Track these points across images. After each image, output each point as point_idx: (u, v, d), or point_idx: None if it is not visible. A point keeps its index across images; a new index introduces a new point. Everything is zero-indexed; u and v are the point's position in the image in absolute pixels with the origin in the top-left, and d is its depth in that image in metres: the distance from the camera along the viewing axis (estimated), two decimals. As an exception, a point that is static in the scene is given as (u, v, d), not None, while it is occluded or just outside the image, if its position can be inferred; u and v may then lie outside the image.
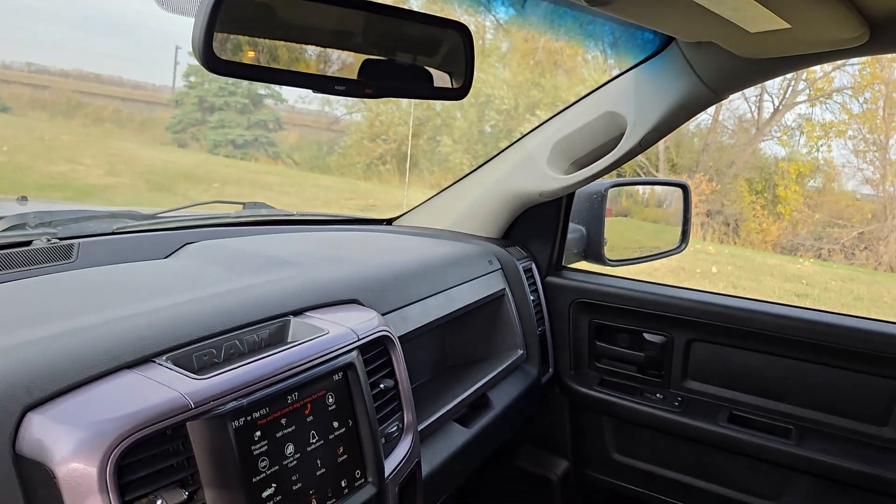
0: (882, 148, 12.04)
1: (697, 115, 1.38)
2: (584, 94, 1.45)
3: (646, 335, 1.59)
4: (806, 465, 1.40)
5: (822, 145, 12.88)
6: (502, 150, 1.57)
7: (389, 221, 1.72)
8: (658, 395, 1.58)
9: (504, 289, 1.50)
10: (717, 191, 12.74)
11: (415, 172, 12.63)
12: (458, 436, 1.26)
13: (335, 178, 11.99)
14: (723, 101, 1.35)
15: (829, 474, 1.39)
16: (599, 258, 1.70)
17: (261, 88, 12.35)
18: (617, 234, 1.82)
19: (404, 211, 1.74)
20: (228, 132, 11.76)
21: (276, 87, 13.07)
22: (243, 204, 1.49)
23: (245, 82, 12.20)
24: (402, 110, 12.85)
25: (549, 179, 1.47)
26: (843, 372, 1.41)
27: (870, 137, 12.10)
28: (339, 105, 13.80)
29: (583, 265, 1.75)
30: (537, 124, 1.51)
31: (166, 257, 1.18)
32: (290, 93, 13.92)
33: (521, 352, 1.51)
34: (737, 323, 1.46)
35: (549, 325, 1.63)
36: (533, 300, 1.57)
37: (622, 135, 1.35)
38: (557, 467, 1.71)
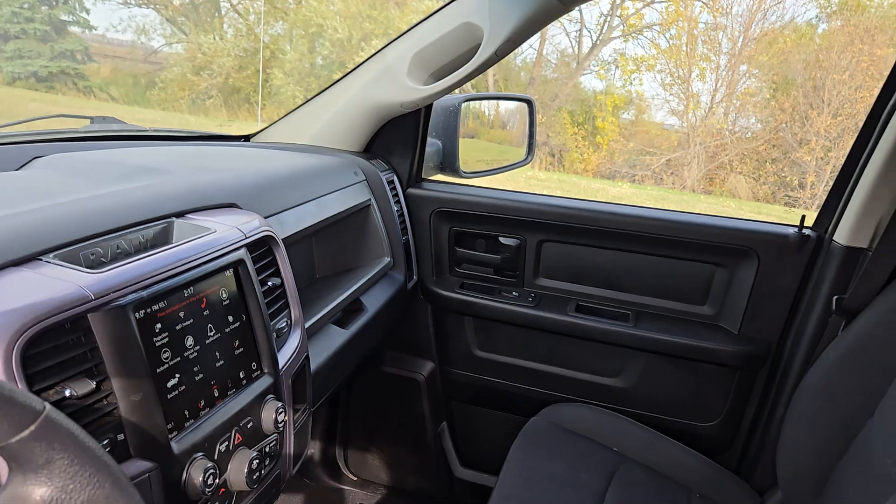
0: (685, 81, 13.15)
1: (523, 47, 1.47)
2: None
3: (501, 239, 1.71)
4: (642, 343, 1.60)
5: (634, 79, 13.86)
6: (361, 63, 1.59)
7: (247, 138, 1.69)
8: (514, 293, 1.71)
9: (370, 199, 1.55)
10: (542, 123, 13.36)
11: (245, 108, 12.10)
12: (338, 336, 1.31)
13: (160, 113, 11.19)
14: (545, 37, 1.46)
15: (661, 349, 1.60)
16: (455, 170, 1.78)
17: (63, 14, 11.13)
18: (466, 153, 1.91)
19: (261, 128, 1.71)
20: (28, 63, 10.51)
21: (82, 14, 11.84)
22: (90, 118, 1.40)
23: (44, 7, 10.93)
24: (227, 41, 12.17)
25: (409, 90, 1.51)
26: (670, 260, 1.61)
27: (675, 71, 13.17)
28: (156, 35, 12.82)
29: (440, 178, 1.82)
30: (395, 36, 1.54)
31: (17, 170, 1.10)
32: (99, 20, 12.67)
33: (388, 259, 1.57)
34: (581, 222, 1.62)
35: (412, 235, 1.70)
36: (396, 210, 1.63)
37: (479, 46, 1.41)
38: (423, 369, 1.82)
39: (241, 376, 0.92)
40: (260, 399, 0.93)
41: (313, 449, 1.93)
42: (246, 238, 0.97)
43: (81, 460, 0.45)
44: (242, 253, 0.94)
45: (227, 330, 0.90)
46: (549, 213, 1.64)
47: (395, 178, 1.67)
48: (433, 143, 1.78)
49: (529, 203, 1.66)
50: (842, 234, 1.45)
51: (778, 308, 1.54)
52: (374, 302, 1.48)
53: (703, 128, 12.88)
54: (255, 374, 0.95)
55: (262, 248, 1.02)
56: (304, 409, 1.09)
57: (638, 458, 1.50)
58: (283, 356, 1.01)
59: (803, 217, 1.50)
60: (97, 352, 0.72)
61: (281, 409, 0.95)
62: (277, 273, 1.05)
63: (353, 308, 1.43)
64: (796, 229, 1.50)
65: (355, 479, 1.96)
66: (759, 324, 1.56)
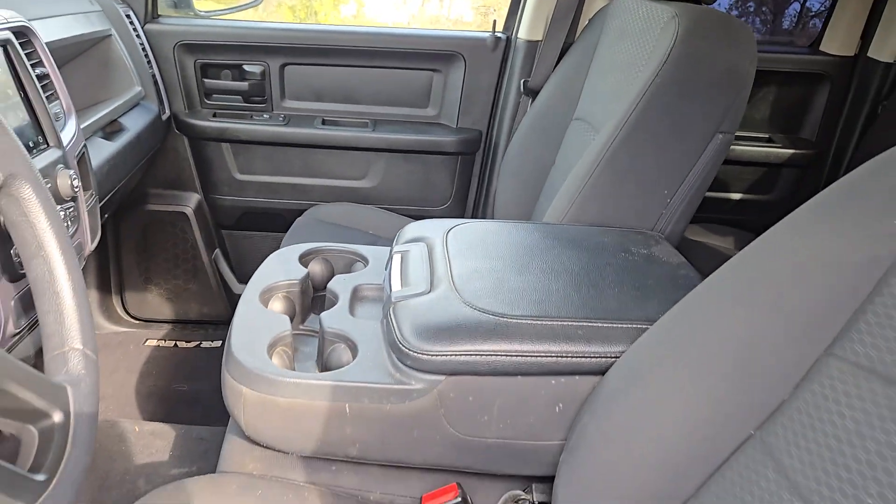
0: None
1: None
2: None
3: (245, 67, 1.85)
4: (381, 144, 1.88)
5: (351, -30, 13.80)
6: None
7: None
8: (265, 115, 1.88)
9: (110, 29, 1.60)
10: (263, 19, 12.93)
11: None
12: (106, 147, 1.41)
13: None
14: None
15: (396, 147, 1.89)
16: (189, 6, 1.87)
17: None
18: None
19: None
20: None
21: None
22: None
23: None
24: None
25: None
26: (395, 71, 1.88)
27: (389, -37, 13.37)
28: None
29: (176, 14, 1.89)
30: None
31: None
32: None
33: (139, 88, 1.65)
34: (316, 42, 1.81)
35: (158, 69, 1.78)
36: (139, 44, 1.69)
37: None
38: (190, 201, 1.94)
39: (31, 145, 1.02)
40: (52, 167, 1.04)
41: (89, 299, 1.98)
42: (8, 22, 1.04)
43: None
44: (8, 35, 1.02)
45: (8, 102, 0.99)
46: (286, 37, 1.81)
47: (132, 13, 1.72)
48: (162, -18, 1.84)
49: (267, 30, 1.82)
50: (523, 32, 1.82)
51: (484, 100, 1.90)
52: (133, 123, 1.57)
53: (422, 17, 13.37)
54: (43, 146, 1.05)
55: (23, 38, 1.09)
56: (91, 193, 1.20)
57: (390, 236, 1.81)
58: (65, 136, 1.11)
59: (494, 22, 1.85)
60: None
61: (74, 176, 1.06)
62: (41, 64, 1.12)
63: (114, 129, 1.51)
64: (491, 33, 1.84)
65: (137, 321, 2.06)
66: (471, 116, 1.92)
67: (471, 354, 0.86)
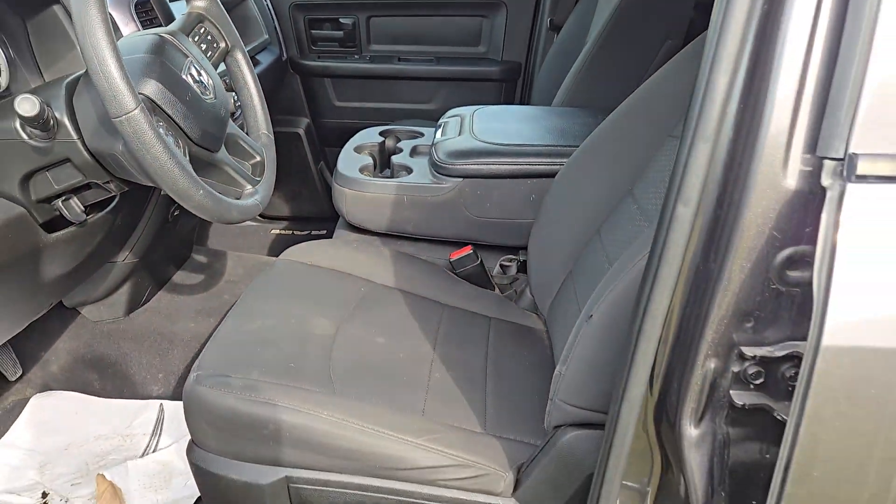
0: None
1: None
2: None
3: (341, 20, 2.48)
4: (443, 75, 2.47)
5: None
6: None
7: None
8: (356, 56, 2.50)
9: (246, -7, 2.25)
10: None
11: None
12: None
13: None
14: None
15: (453, 77, 2.47)
16: (301, -23, 2.50)
17: None
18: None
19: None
20: None
21: None
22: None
23: None
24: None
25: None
26: (453, 18, 2.46)
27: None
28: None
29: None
30: None
31: None
32: None
33: (266, 36, 2.30)
34: None
35: (279, 24, 2.42)
36: (266, 4, 2.34)
37: None
38: (301, 124, 2.59)
39: (215, 58, 1.66)
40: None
41: (231, 198, 2.67)
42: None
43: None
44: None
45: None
46: None
47: (260, -18, 2.37)
48: (280, -40, 2.47)
49: None
50: (551, -19, 2.36)
51: (522, 38, 2.45)
52: (264, 60, 2.22)
53: None
54: (221, 59, 1.69)
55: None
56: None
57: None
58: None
59: (528, -25, 2.39)
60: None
61: (239, 79, 1.70)
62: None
63: (253, 63, 2.16)
64: (526, -16, 2.39)
65: (264, 217, 2.73)
66: (512, 51, 2.47)
67: (478, 165, 1.45)
